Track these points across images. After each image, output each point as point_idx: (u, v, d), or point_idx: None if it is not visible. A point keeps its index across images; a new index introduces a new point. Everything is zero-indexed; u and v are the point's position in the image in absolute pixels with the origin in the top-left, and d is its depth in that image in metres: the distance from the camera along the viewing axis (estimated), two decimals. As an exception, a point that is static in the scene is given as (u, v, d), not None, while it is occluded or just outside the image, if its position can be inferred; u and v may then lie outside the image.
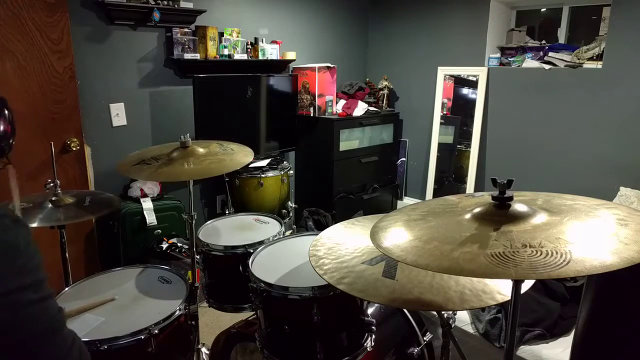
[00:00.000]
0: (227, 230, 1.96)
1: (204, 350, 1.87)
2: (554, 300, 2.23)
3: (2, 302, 0.76)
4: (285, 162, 3.47)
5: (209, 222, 2.04)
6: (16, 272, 0.78)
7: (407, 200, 4.32)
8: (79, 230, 2.68)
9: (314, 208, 3.63)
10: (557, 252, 0.79)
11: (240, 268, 1.74)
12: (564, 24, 3.46)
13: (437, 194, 3.99)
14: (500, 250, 0.82)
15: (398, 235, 0.98)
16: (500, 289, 1.11)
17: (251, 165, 3.12)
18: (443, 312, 1.28)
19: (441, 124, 3.93)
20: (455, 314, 1.32)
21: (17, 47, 2.35)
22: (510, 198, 0.95)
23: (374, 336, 1.47)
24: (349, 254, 1.31)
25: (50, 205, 1.64)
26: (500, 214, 0.94)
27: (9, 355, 0.78)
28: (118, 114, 2.92)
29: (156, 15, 2.83)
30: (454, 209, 1.05)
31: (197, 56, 3.09)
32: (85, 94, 2.74)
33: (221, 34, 3.23)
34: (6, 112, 0.99)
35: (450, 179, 3.94)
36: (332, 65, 3.69)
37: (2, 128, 0.97)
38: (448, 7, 3.79)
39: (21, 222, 0.83)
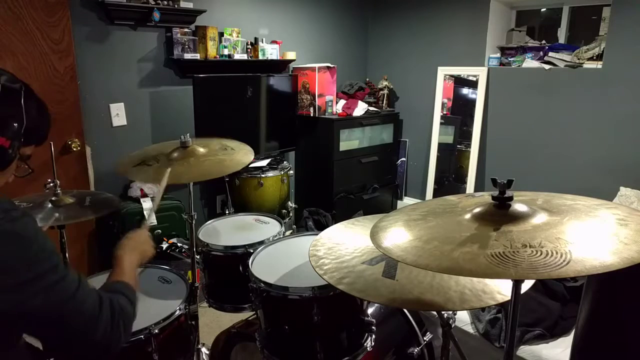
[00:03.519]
0: (227, 230, 1.96)
1: (204, 350, 1.87)
2: (554, 300, 2.23)
3: (27, 290, 0.81)
4: (285, 162, 3.47)
5: (209, 222, 2.03)
6: (33, 261, 0.83)
7: (407, 200, 4.32)
8: (79, 230, 2.68)
9: (314, 208, 3.63)
10: (557, 252, 0.79)
11: (240, 268, 1.74)
12: (564, 24, 3.46)
13: (437, 194, 3.99)
14: (500, 250, 0.82)
15: (398, 235, 0.98)
16: (500, 289, 1.11)
17: (251, 165, 3.11)
18: (443, 312, 1.28)
19: (441, 124, 3.92)
20: (455, 314, 1.31)
21: (18, 47, 2.35)
22: (510, 198, 0.95)
23: (374, 336, 1.47)
24: (349, 254, 1.31)
25: (50, 205, 1.64)
26: (500, 214, 0.94)
27: (43, 330, 0.86)
28: (118, 114, 2.92)
29: (156, 15, 2.83)
30: (454, 209, 1.05)
31: (197, 56, 3.09)
32: (85, 94, 2.74)
33: (221, 34, 3.23)
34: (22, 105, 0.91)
35: (450, 179, 3.94)
36: (332, 65, 3.69)
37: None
38: (448, 7, 3.79)
39: (27, 213, 0.87)
